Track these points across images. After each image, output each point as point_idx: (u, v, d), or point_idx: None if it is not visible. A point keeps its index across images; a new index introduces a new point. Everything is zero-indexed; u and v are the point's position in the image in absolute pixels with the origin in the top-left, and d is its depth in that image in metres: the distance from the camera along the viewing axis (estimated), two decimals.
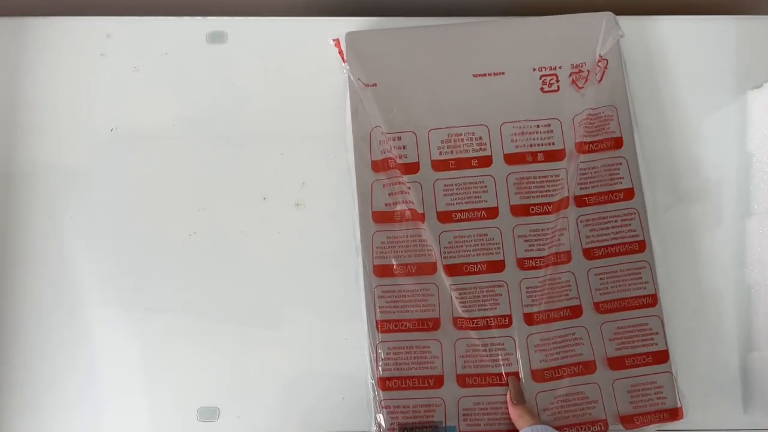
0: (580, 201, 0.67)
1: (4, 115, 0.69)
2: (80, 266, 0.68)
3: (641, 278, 0.66)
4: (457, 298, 0.65)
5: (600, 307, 0.65)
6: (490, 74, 0.69)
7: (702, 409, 0.67)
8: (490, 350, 0.64)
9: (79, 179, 0.68)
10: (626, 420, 0.63)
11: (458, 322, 0.65)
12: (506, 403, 0.63)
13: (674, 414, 0.64)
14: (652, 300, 0.66)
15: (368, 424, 0.65)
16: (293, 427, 0.66)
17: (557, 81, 0.68)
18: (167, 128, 0.69)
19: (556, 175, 0.67)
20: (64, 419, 0.66)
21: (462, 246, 0.66)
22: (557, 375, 0.64)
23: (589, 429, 0.63)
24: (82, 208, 0.68)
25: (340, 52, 0.69)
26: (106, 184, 0.69)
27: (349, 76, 0.68)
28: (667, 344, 0.65)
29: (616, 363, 0.64)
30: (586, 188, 0.67)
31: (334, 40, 0.69)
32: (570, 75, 0.68)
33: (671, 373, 0.65)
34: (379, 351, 0.64)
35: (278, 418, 0.66)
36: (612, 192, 0.67)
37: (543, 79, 0.68)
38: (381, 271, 0.65)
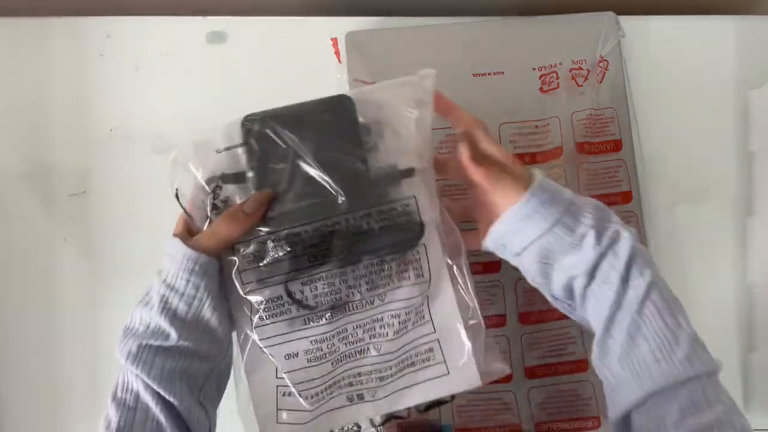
0: None
1: (4, 115, 0.69)
2: (79, 266, 0.68)
3: None
4: None
5: None
6: (489, 74, 0.69)
7: None
8: None
9: (78, 179, 0.69)
10: None
11: None
12: (499, 399, 0.62)
13: None
14: None
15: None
16: None
17: (557, 78, 0.68)
18: (167, 128, 0.69)
19: (554, 174, 0.67)
20: (63, 421, 0.66)
21: None
22: (550, 372, 0.65)
23: (582, 425, 0.64)
24: (81, 208, 0.69)
25: (337, 53, 0.69)
26: (105, 183, 0.69)
27: (343, 77, 0.68)
28: None
29: None
30: (588, 190, 0.67)
31: (332, 39, 0.69)
32: (570, 71, 0.68)
33: None
34: None
35: None
36: (611, 195, 0.67)
37: (542, 78, 0.68)
38: None
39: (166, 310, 0.49)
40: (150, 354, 0.48)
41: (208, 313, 0.50)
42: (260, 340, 0.51)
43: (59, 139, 0.69)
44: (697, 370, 0.44)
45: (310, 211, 0.51)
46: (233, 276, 0.51)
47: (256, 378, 0.52)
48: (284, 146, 0.51)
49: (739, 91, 0.71)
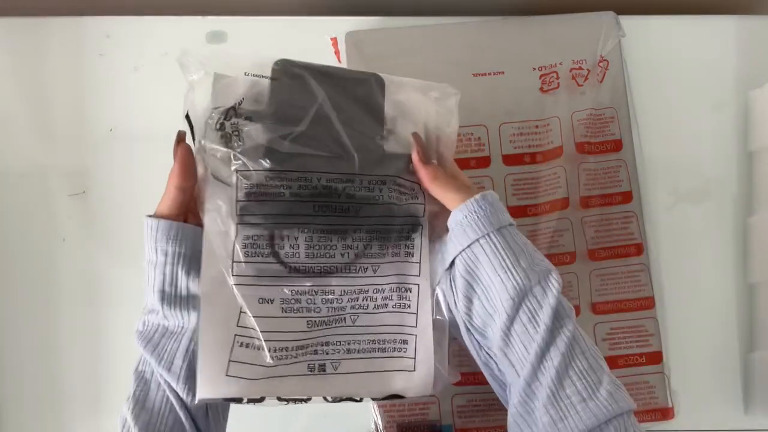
0: (584, 203, 0.67)
1: (4, 115, 0.69)
2: (80, 266, 0.68)
3: (639, 281, 0.66)
4: None
5: (597, 308, 0.65)
6: (489, 74, 0.69)
7: (702, 409, 0.67)
8: None
9: (78, 179, 0.69)
10: None
11: None
12: (498, 400, 0.61)
13: (666, 413, 0.65)
14: (650, 302, 0.66)
15: (367, 424, 0.65)
16: (292, 426, 0.66)
17: (557, 78, 0.68)
18: (167, 128, 0.69)
19: (554, 174, 0.67)
20: (64, 421, 0.66)
21: None
22: None
23: None
24: (81, 208, 0.69)
25: (336, 52, 0.69)
26: (105, 183, 0.69)
27: None
28: (661, 346, 0.65)
29: (609, 363, 0.64)
30: (588, 190, 0.67)
31: (331, 39, 0.69)
32: (570, 71, 0.68)
33: (664, 373, 0.65)
34: None
35: (277, 419, 0.66)
36: (611, 195, 0.67)
37: (543, 78, 0.68)
38: None
39: (150, 285, 0.50)
40: (151, 331, 0.50)
41: (183, 279, 0.49)
42: (234, 276, 0.49)
43: (59, 139, 0.69)
44: (621, 407, 0.44)
45: (324, 162, 0.50)
46: (221, 202, 0.49)
47: (213, 320, 0.49)
48: (310, 95, 0.50)
49: (739, 91, 0.71)
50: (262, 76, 0.50)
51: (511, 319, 0.47)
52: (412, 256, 0.53)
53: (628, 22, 0.70)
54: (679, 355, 0.66)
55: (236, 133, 0.49)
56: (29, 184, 0.69)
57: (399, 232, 0.53)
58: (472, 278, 0.49)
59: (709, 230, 0.70)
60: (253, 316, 0.49)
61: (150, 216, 0.50)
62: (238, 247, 0.49)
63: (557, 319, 0.47)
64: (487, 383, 0.64)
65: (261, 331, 0.49)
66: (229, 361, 0.48)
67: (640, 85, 0.70)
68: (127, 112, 0.70)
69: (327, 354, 0.51)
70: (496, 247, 0.48)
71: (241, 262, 0.49)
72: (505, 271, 0.48)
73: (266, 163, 0.49)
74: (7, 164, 0.69)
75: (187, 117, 0.51)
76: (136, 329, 0.50)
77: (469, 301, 0.50)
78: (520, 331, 0.47)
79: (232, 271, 0.49)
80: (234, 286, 0.49)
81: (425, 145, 0.53)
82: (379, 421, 0.64)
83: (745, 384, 0.67)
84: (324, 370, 0.51)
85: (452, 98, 0.54)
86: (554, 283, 0.48)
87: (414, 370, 0.52)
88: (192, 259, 0.49)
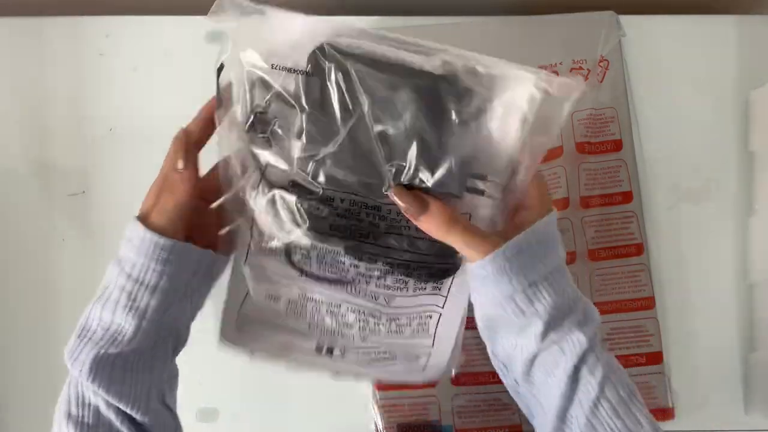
0: (584, 203, 0.67)
1: (3, 115, 0.69)
2: (79, 266, 0.68)
3: (640, 281, 0.66)
4: None
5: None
6: None
7: (702, 409, 0.67)
8: (483, 349, 0.64)
9: (78, 179, 0.69)
10: None
11: None
12: (499, 399, 0.60)
13: (666, 413, 0.65)
14: (650, 302, 0.66)
15: (367, 424, 0.65)
16: (292, 427, 0.66)
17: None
18: (166, 128, 0.69)
19: (554, 174, 0.67)
20: None
21: None
22: None
23: None
24: (81, 208, 0.69)
25: None
26: (105, 183, 0.69)
27: None
28: (662, 346, 0.65)
29: None
30: (589, 190, 0.67)
31: None
32: (570, 71, 0.68)
33: (664, 374, 0.65)
34: None
35: (277, 419, 0.66)
36: (611, 195, 0.67)
37: None
38: None
39: (134, 309, 0.43)
40: (107, 367, 0.43)
41: (176, 311, 0.45)
42: (246, 263, 0.48)
43: (59, 138, 0.69)
44: None
45: (355, 186, 0.45)
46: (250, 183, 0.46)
47: (232, 286, 0.50)
48: (350, 104, 0.43)
49: (739, 91, 0.71)
50: (295, 70, 0.43)
51: (527, 372, 0.45)
52: (440, 290, 0.50)
53: (628, 21, 0.70)
54: (679, 355, 0.66)
55: (269, 138, 0.45)
56: (29, 184, 0.69)
57: (423, 272, 0.48)
58: (490, 330, 0.47)
59: (709, 230, 0.69)
60: (257, 306, 0.50)
61: (151, 228, 0.44)
62: (255, 235, 0.48)
63: (575, 380, 0.43)
64: (487, 383, 0.64)
65: (262, 322, 0.51)
66: (238, 320, 0.51)
67: (640, 85, 0.70)
68: (127, 112, 0.70)
69: (334, 347, 0.52)
70: (511, 313, 0.43)
71: (254, 253, 0.49)
72: (520, 334, 0.44)
73: (290, 186, 0.46)
74: (7, 164, 0.69)
75: (219, 70, 0.47)
76: (83, 363, 0.43)
77: (491, 340, 0.48)
78: (541, 380, 0.44)
79: (246, 259, 0.49)
80: (244, 277, 0.49)
81: (409, 198, 0.43)
82: (379, 421, 0.64)
83: (745, 384, 0.67)
84: (331, 354, 0.51)
85: (572, 94, 0.44)
86: (574, 348, 0.43)
87: (423, 371, 0.52)
88: (189, 288, 0.46)
